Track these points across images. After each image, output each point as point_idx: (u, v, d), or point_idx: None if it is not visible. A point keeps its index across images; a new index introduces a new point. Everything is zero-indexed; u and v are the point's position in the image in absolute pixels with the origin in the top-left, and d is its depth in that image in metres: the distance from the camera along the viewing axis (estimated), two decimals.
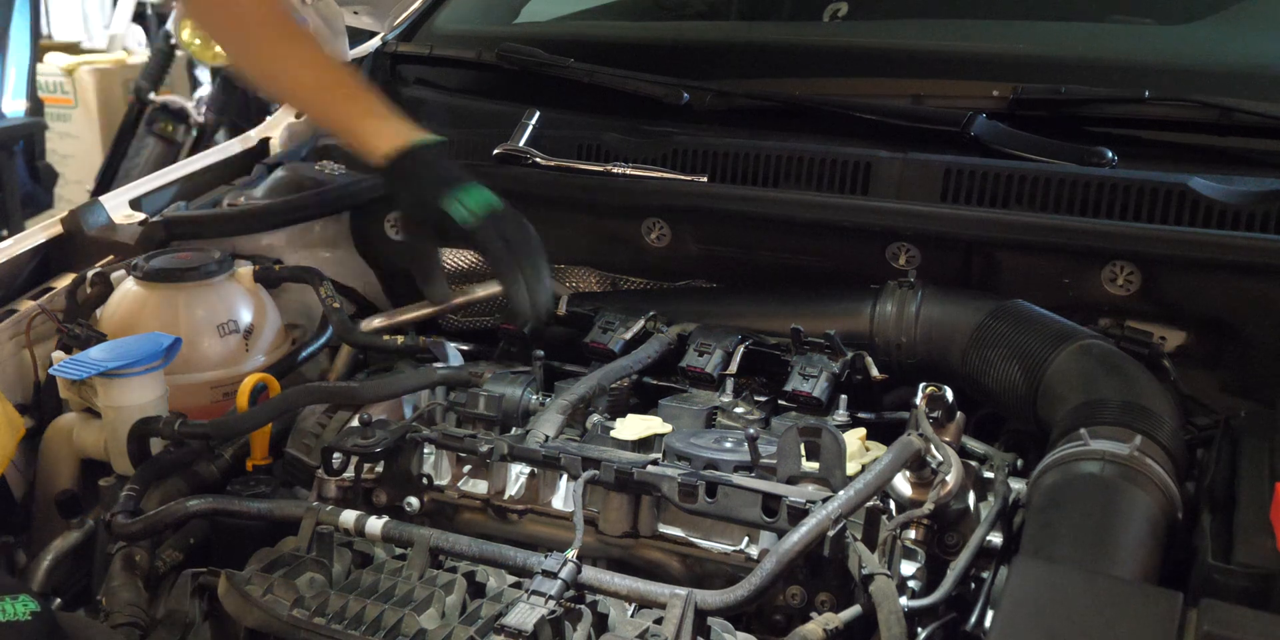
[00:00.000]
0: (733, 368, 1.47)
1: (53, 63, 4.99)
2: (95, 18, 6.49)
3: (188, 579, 1.27)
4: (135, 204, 1.87)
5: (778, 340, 1.50)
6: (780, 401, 1.45)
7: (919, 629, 1.09)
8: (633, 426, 1.33)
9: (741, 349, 1.49)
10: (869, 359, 1.45)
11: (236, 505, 1.31)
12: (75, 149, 5.05)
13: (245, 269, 1.66)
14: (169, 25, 4.42)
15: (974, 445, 1.34)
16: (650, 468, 1.21)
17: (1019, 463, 1.32)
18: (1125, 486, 1.12)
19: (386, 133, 1.47)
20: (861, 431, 1.34)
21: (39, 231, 1.77)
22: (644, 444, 1.32)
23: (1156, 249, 1.44)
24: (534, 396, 1.41)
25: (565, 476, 1.28)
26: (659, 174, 1.68)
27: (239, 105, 4.54)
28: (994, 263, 1.54)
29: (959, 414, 1.24)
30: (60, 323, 1.58)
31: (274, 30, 1.55)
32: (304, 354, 1.68)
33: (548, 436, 1.30)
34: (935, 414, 1.20)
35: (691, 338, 1.52)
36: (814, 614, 1.10)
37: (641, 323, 1.57)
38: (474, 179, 1.45)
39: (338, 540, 1.23)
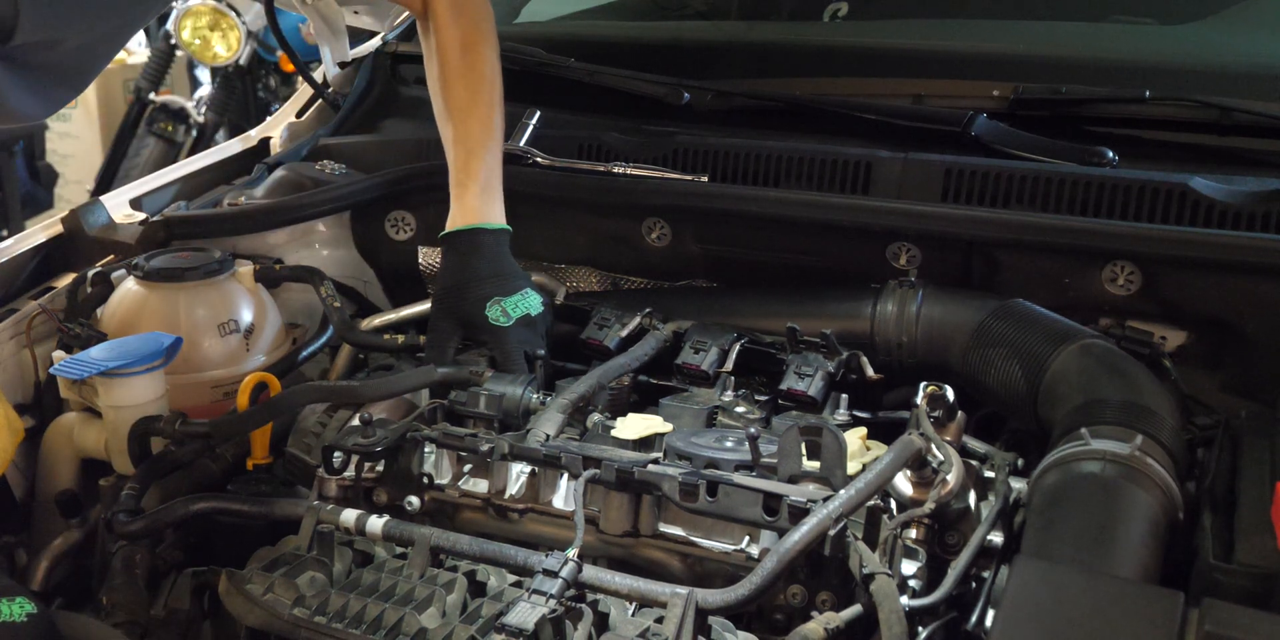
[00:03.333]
0: (728, 365, 1.47)
1: None
2: None
3: (188, 578, 1.27)
4: (135, 204, 1.87)
5: (774, 339, 1.51)
6: (780, 401, 1.45)
7: (919, 628, 1.09)
8: (633, 426, 1.33)
9: (737, 347, 1.49)
10: (864, 358, 1.45)
11: (237, 504, 1.31)
12: (75, 149, 5.05)
13: (245, 269, 1.66)
14: (169, 25, 4.41)
15: (975, 445, 1.34)
16: (651, 467, 1.21)
17: (1019, 462, 1.31)
18: (1126, 486, 1.12)
19: (474, 204, 1.56)
20: (862, 431, 1.34)
21: (39, 231, 1.77)
22: (645, 443, 1.32)
23: (1157, 249, 1.44)
24: (534, 396, 1.41)
25: (566, 475, 1.28)
26: (660, 174, 1.68)
27: (239, 105, 4.54)
28: (994, 262, 1.54)
29: (960, 413, 1.24)
30: (60, 323, 1.58)
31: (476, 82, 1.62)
32: (304, 354, 1.68)
33: (548, 435, 1.30)
34: (936, 413, 1.20)
35: (687, 335, 1.52)
36: (815, 613, 1.10)
37: (637, 319, 1.57)
38: (524, 283, 1.54)
39: (338, 539, 1.23)
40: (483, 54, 1.65)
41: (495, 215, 1.58)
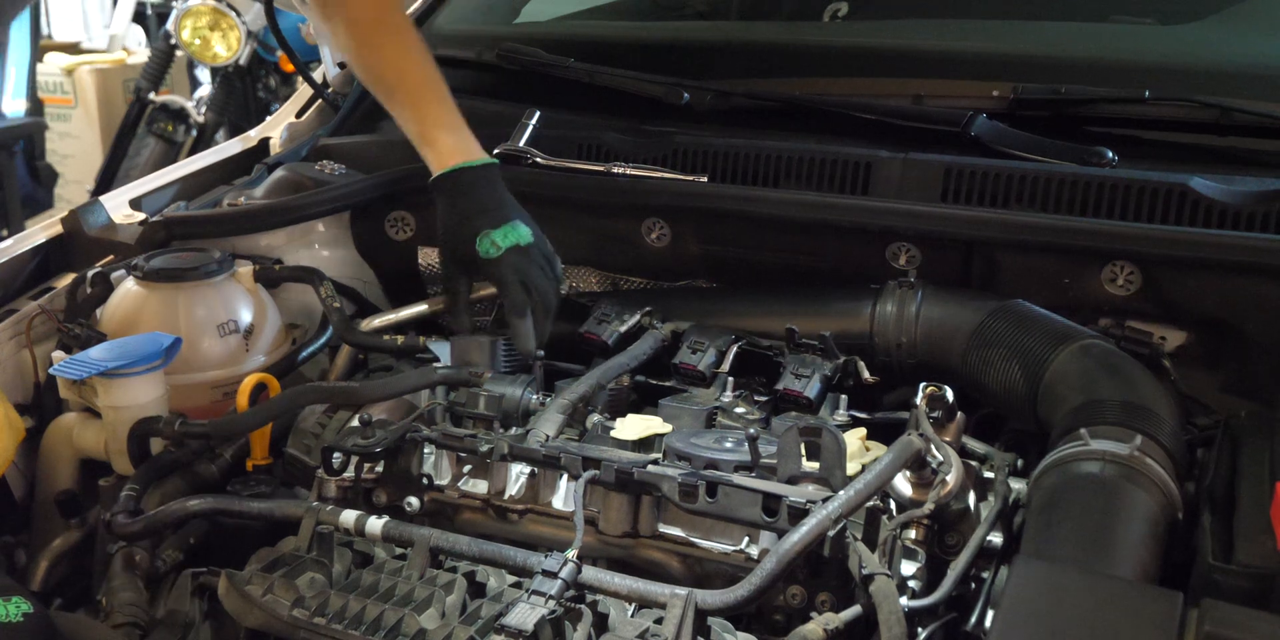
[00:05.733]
0: (725, 366, 1.47)
1: (53, 63, 4.99)
2: (95, 18, 6.49)
3: (188, 579, 1.27)
4: (135, 204, 1.87)
5: (771, 342, 1.51)
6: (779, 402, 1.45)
7: (919, 629, 1.09)
8: (633, 426, 1.33)
9: (734, 348, 1.49)
10: (861, 363, 1.45)
11: (236, 505, 1.31)
12: (75, 149, 5.05)
13: (245, 269, 1.66)
14: (169, 25, 4.42)
15: (974, 445, 1.34)
16: (650, 467, 1.21)
17: (1019, 463, 1.32)
18: (1125, 486, 1.12)
19: (446, 149, 1.55)
20: (861, 431, 1.34)
21: (39, 231, 1.77)
22: (644, 444, 1.32)
23: (1156, 249, 1.44)
24: (534, 396, 1.41)
25: (565, 476, 1.28)
26: (659, 174, 1.68)
27: (239, 105, 4.54)
28: (994, 263, 1.54)
29: (959, 414, 1.24)
30: (60, 323, 1.58)
31: (387, 29, 1.61)
32: (304, 354, 1.68)
33: (548, 436, 1.30)
34: (936, 414, 1.20)
35: (685, 335, 1.52)
36: (814, 614, 1.10)
37: (637, 317, 1.57)
38: (513, 213, 1.53)
39: (338, 540, 1.23)
40: (385, 6, 1.64)
41: (473, 151, 1.58)
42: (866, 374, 1.45)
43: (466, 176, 1.55)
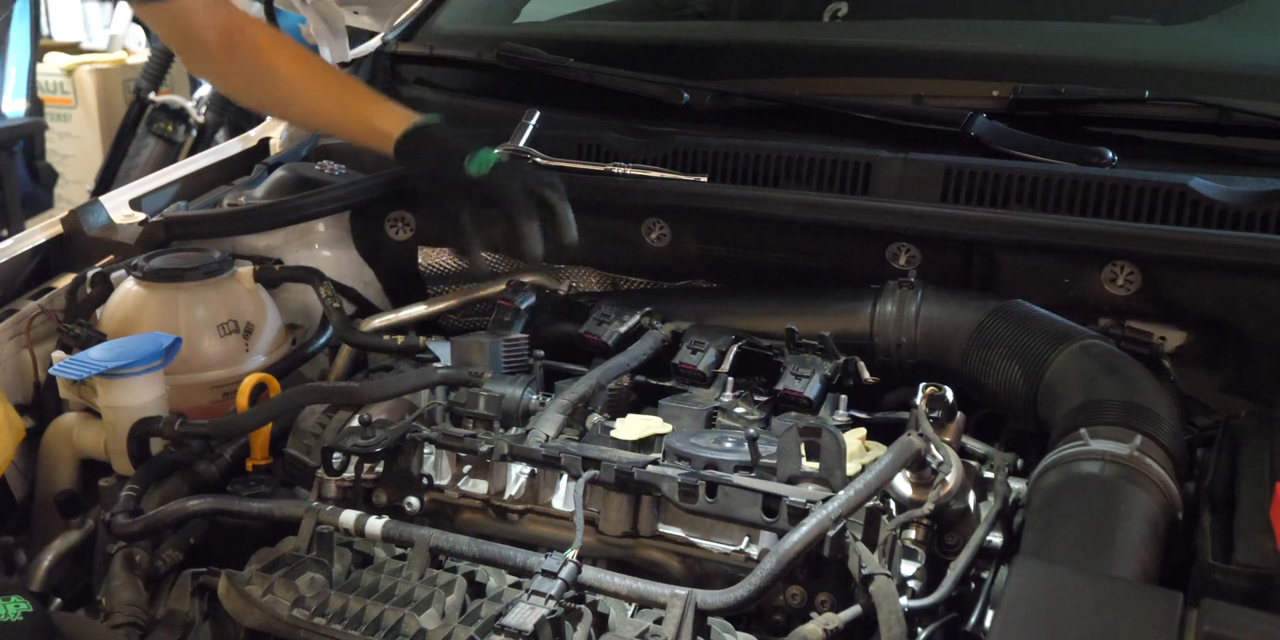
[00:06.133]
0: (724, 366, 1.47)
1: (53, 63, 4.99)
2: (95, 18, 6.49)
3: (188, 579, 1.27)
4: (135, 204, 1.87)
5: (771, 343, 1.51)
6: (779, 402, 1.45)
7: (919, 629, 1.09)
8: (633, 426, 1.33)
9: (734, 349, 1.49)
10: (860, 363, 1.45)
11: (236, 505, 1.31)
12: (75, 149, 5.05)
13: (245, 269, 1.66)
14: None
15: (974, 445, 1.34)
16: (650, 468, 1.21)
17: (1019, 463, 1.32)
18: (1125, 486, 1.12)
19: (392, 121, 1.61)
20: (861, 431, 1.34)
21: (39, 231, 1.77)
22: (644, 444, 1.32)
23: (1156, 249, 1.44)
24: (534, 396, 1.41)
25: (565, 476, 1.28)
26: (659, 174, 1.68)
27: (239, 105, 4.53)
28: (994, 263, 1.54)
29: (959, 414, 1.24)
30: (60, 323, 1.58)
31: (286, 55, 1.67)
32: (304, 354, 1.67)
33: (548, 436, 1.30)
34: (935, 414, 1.20)
35: (685, 336, 1.52)
36: (814, 614, 1.10)
37: (637, 317, 1.57)
38: (478, 144, 1.59)
39: (338, 540, 1.23)
40: (271, 32, 1.72)
41: (415, 117, 1.63)
42: (866, 374, 1.45)
43: (431, 129, 1.62)
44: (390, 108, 1.65)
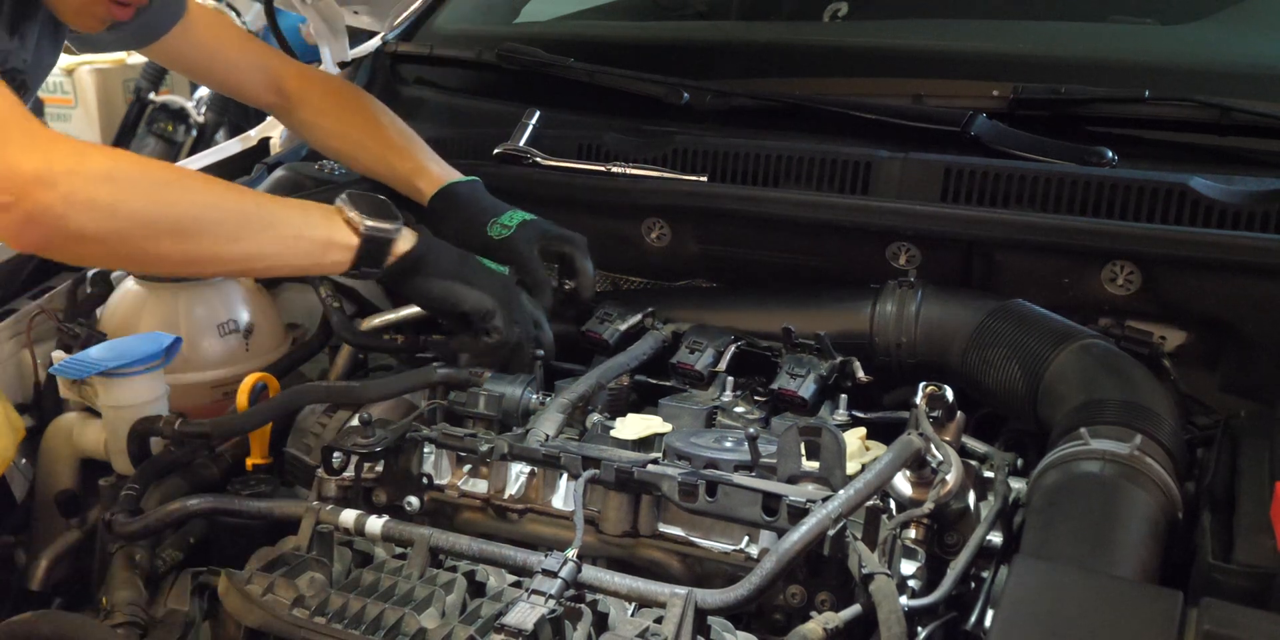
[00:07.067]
0: (722, 366, 1.47)
1: None
2: None
3: (188, 578, 1.27)
4: None
5: (770, 342, 1.51)
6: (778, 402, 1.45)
7: (919, 629, 1.09)
8: (633, 426, 1.33)
9: (733, 349, 1.49)
10: (856, 363, 1.45)
11: (236, 505, 1.31)
12: None
13: None
14: None
15: (974, 445, 1.34)
16: (650, 467, 1.20)
17: (1019, 462, 1.31)
18: (1125, 486, 1.12)
19: (427, 181, 1.67)
20: (861, 431, 1.34)
21: None
22: (644, 443, 1.32)
23: (1156, 249, 1.44)
24: (534, 396, 1.41)
25: (565, 476, 1.28)
26: (659, 174, 1.68)
27: (239, 105, 4.53)
28: (994, 263, 1.54)
29: (959, 413, 1.23)
30: (60, 322, 1.58)
31: (330, 105, 1.77)
32: (303, 354, 1.67)
33: (548, 435, 1.31)
34: (935, 413, 1.20)
35: (685, 336, 1.52)
36: (814, 613, 1.10)
37: (639, 316, 1.57)
38: (506, 206, 1.62)
39: (338, 539, 1.23)
40: (344, 86, 1.84)
41: (458, 175, 1.67)
42: (861, 374, 1.45)
43: (462, 188, 1.65)
44: (426, 166, 1.68)
